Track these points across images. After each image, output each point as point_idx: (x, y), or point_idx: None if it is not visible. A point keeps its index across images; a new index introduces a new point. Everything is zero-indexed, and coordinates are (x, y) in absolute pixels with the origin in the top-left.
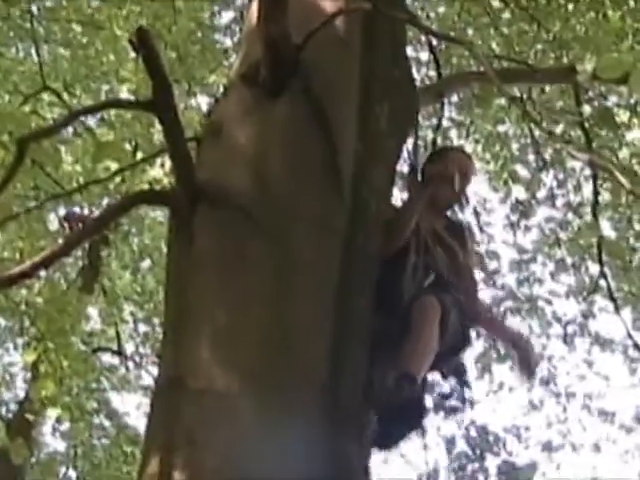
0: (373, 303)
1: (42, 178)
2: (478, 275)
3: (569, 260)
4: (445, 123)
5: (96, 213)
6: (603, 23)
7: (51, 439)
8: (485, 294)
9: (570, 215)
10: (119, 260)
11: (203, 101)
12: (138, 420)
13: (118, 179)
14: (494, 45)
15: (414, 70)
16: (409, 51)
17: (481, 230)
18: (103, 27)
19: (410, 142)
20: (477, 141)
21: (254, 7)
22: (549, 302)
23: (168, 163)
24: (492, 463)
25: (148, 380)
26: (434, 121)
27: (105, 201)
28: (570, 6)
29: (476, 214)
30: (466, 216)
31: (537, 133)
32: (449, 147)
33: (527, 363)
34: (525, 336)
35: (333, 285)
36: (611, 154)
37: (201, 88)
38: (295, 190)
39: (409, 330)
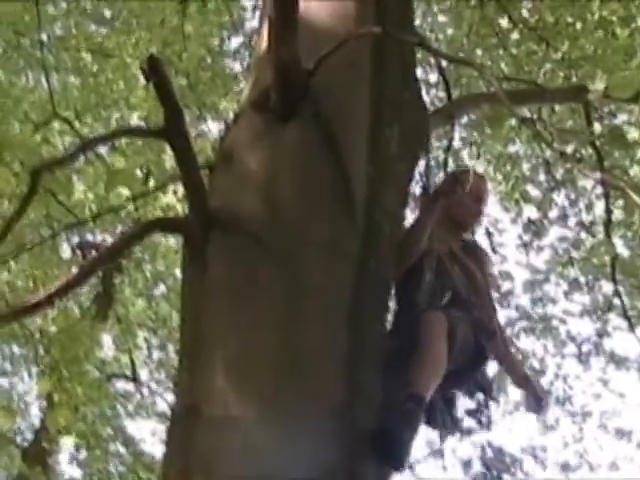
0: (387, 326)
1: (54, 206)
2: (494, 296)
3: (582, 279)
4: (456, 144)
5: (109, 240)
6: (612, 41)
7: (67, 467)
8: (500, 315)
9: (583, 234)
10: (132, 287)
11: (214, 127)
12: (154, 447)
13: (131, 206)
14: (503, 65)
15: (424, 92)
16: (418, 73)
17: (494, 251)
18: (113, 55)
19: (422, 164)
20: (488, 162)
21: (264, 33)
22: (563, 321)
23: (181, 189)
24: None
25: (163, 406)
26: (445, 142)
27: (118, 228)
28: (578, 25)
29: (488, 235)
30: (478, 237)
31: (548, 153)
32: (462, 170)
33: (536, 404)
34: (532, 380)
35: (344, 309)
36: (622, 172)
37: (212, 114)
38: (306, 215)
39: (416, 347)
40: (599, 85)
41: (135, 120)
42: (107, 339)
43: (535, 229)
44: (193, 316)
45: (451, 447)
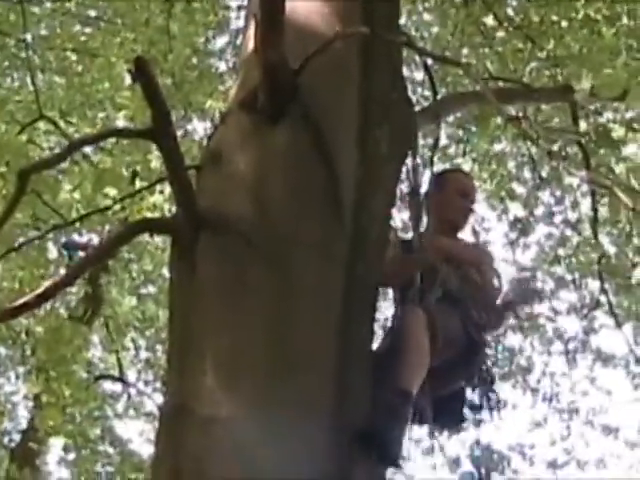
0: (374, 327)
1: (41, 207)
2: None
3: (569, 277)
4: (442, 142)
5: (96, 240)
6: (597, 40)
7: (56, 467)
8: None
9: (569, 232)
10: (119, 287)
11: (200, 127)
12: (142, 447)
13: (117, 206)
14: (489, 64)
15: (409, 91)
16: (404, 72)
17: None
18: (98, 54)
19: (409, 163)
20: (474, 160)
21: (250, 33)
22: (550, 319)
23: (168, 189)
24: None
25: (151, 406)
26: (431, 140)
27: (105, 228)
28: (564, 24)
29: (475, 233)
30: (465, 235)
31: (534, 150)
32: (447, 170)
33: (522, 293)
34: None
35: (335, 310)
36: (608, 170)
37: (198, 114)
38: (295, 216)
39: (396, 344)
40: (585, 84)
41: (121, 120)
42: (94, 339)
43: (521, 227)
44: (182, 316)
45: (440, 445)
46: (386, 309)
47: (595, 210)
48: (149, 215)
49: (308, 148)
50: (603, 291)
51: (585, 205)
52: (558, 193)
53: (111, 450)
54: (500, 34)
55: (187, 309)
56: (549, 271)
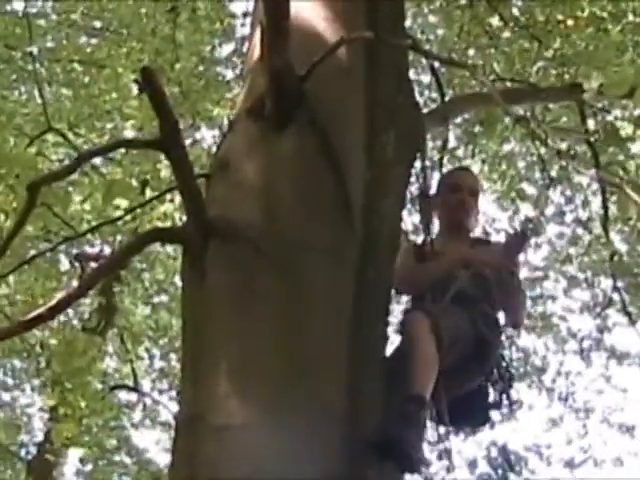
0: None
1: (51, 219)
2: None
3: (581, 276)
4: (451, 143)
5: (107, 251)
6: (603, 37)
7: (72, 479)
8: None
9: (580, 230)
10: (132, 297)
11: (208, 135)
12: (158, 456)
13: (128, 217)
14: (495, 65)
15: (417, 93)
16: (411, 74)
17: None
18: (104, 65)
19: (418, 165)
20: (483, 161)
21: (255, 40)
22: (564, 318)
23: (178, 198)
24: None
25: (166, 415)
26: (440, 142)
27: (116, 238)
28: (569, 22)
29: (486, 234)
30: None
31: (543, 150)
32: (447, 172)
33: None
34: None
35: (346, 315)
36: (618, 168)
37: (206, 122)
38: (304, 221)
39: (404, 351)
40: (592, 82)
41: (129, 130)
42: (109, 350)
43: (532, 227)
44: (193, 325)
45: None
46: (400, 313)
47: (606, 208)
48: (160, 224)
49: (315, 154)
50: (616, 289)
51: (596, 203)
52: (568, 192)
53: (128, 460)
54: (506, 34)
55: (198, 318)
56: (561, 270)
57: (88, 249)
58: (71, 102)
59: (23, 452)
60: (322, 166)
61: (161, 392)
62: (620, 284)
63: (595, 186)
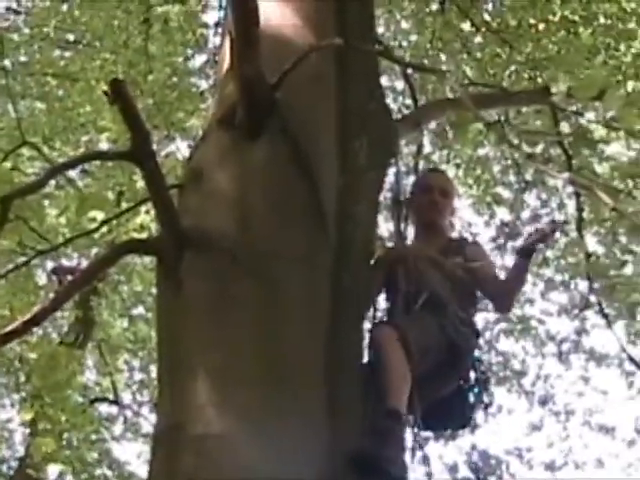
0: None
1: (27, 233)
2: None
3: (558, 278)
4: (426, 149)
5: (84, 263)
6: (575, 41)
7: None
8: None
9: (556, 233)
10: (110, 309)
11: (183, 146)
12: (140, 468)
13: (105, 229)
14: (467, 70)
15: (390, 100)
16: (384, 81)
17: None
18: (78, 78)
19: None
20: (458, 166)
21: (226, 50)
22: (542, 321)
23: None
24: None
25: (148, 428)
26: (414, 147)
27: (93, 250)
28: (541, 26)
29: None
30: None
31: (517, 154)
32: (419, 174)
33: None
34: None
35: (323, 321)
36: (591, 170)
37: (180, 133)
38: (278, 229)
39: (373, 366)
40: (564, 85)
41: (104, 142)
42: (88, 363)
43: (508, 231)
44: (170, 335)
45: (438, 452)
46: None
47: (580, 210)
48: (136, 236)
49: (288, 162)
50: (592, 291)
51: (571, 206)
52: (543, 195)
53: (109, 473)
54: (478, 39)
55: (174, 328)
56: (538, 273)
57: (65, 262)
58: (45, 116)
59: (5, 467)
60: (295, 174)
61: (141, 404)
62: (597, 286)
63: (570, 189)
